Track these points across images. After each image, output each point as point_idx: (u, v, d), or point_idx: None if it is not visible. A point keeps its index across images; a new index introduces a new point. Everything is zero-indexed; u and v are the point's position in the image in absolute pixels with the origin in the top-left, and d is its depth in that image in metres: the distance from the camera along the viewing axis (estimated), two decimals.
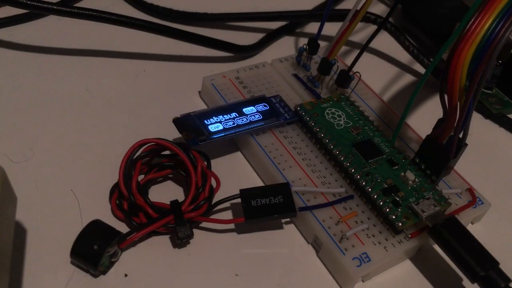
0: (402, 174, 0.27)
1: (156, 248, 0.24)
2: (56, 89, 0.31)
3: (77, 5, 0.36)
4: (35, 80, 0.31)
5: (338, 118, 0.29)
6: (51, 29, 0.35)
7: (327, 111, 0.29)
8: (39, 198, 0.25)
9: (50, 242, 0.24)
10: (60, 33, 0.34)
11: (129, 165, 0.25)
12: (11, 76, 0.31)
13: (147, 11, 0.37)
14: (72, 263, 0.23)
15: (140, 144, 0.25)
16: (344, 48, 0.37)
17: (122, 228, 0.24)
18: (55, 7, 0.30)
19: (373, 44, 0.33)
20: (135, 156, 0.25)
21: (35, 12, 0.34)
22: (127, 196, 0.24)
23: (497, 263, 0.23)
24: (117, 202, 0.25)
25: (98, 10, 0.30)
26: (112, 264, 0.23)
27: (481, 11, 0.22)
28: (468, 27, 0.22)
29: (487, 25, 0.22)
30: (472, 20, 0.22)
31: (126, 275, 0.23)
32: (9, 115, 0.29)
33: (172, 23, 0.36)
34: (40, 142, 0.28)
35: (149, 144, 0.26)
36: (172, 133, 0.27)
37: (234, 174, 0.28)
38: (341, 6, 0.41)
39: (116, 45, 0.34)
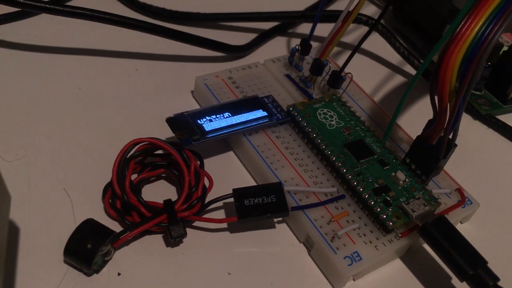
0: (393, 174, 0.27)
1: (149, 247, 0.24)
2: (48, 88, 0.31)
3: (70, 3, 0.36)
4: (28, 78, 0.31)
5: (330, 119, 0.30)
6: (44, 27, 0.34)
7: (319, 111, 0.30)
8: (32, 197, 0.25)
9: (43, 241, 0.24)
10: (52, 32, 0.34)
11: (122, 164, 0.25)
12: (3, 75, 0.31)
13: (140, 10, 0.37)
14: (65, 262, 0.23)
15: (133, 144, 0.25)
16: (336, 49, 0.37)
17: (115, 227, 0.24)
18: (47, 5, 0.30)
19: (365, 45, 0.33)
20: (128, 155, 0.25)
21: (27, 11, 0.34)
22: (120, 195, 0.24)
23: (485, 262, 0.23)
24: (110, 201, 0.25)
25: (91, 9, 0.30)
26: (105, 263, 0.23)
27: (471, 14, 0.22)
28: (458, 29, 0.22)
29: (477, 27, 0.22)
30: (463, 22, 0.22)
31: (119, 274, 0.23)
32: (2, 114, 0.29)
33: (165, 23, 0.36)
34: (33, 141, 0.27)
35: (142, 143, 0.26)
36: (165, 133, 0.28)
37: (227, 173, 0.28)
38: (333, 7, 0.42)
39: (109, 44, 0.34)
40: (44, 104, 0.30)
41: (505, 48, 0.35)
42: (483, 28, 0.22)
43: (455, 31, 0.22)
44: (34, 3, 0.29)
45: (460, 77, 0.23)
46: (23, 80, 0.31)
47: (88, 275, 0.23)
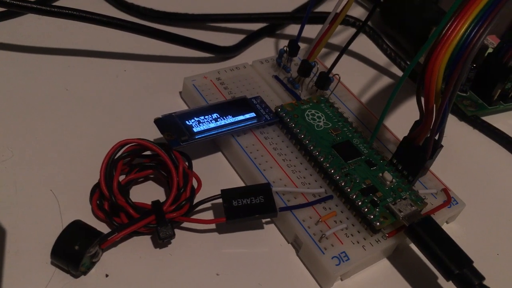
0: (380, 174, 0.27)
1: (137, 248, 0.24)
2: (35, 89, 0.30)
3: (57, 4, 0.36)
4: (14, 79, 0.31)
5: (318, 120, 0.30)
6: (30, 28, 0.34)
7: (307, 112, 0.30)
8: (18, 199, 0.25)
9: (29, 242, 0.23)
10: (39, 32, 0.34)
11: (110, 165, 0.25)
12: None
13: (127, 10, 0.37)
14: (52, 263, 0.23)
15: (122, 144, 0.25)
16: (323, 50, 0.37)
17: (103, 228, 0.24)
18: (34, 5, 0.29)
19: (352, 47, 0.33)
20: (116, 156, 0.25)
21: (13, 11, 0.34)
22: (108, 196, 0.24)
23: (471, 261, 0.24)
24: (98, 202, 0.25)
25: (78, 10, 0.30)
26: (93, 264, 0.23)
27: (456, 17, 0.22)
28: (444, 31, 0.22)
29: (463, 30, 0.22)
30: (448, 25, 0.22)
31: (107, 276, 0.23)
32: None
33: (152, 23, 0.36)
34: (20, 142, 0.27)
35: (131, 144, 0.26)
36: (153, 134, 0.27)
37: (215, 174, 0.28)
38: (321, 9, 0.42)
39: (96, 44, 0.34)
40: (31, 105, 0.29)
41: (490, 50, 0.36)
42: (468, 31, 0.22)
43: (441, 33, 0.23)
44: (20, 3, 0.29)
45: (446, 78, 0.23)
46: (9, 80, 0.31)
47: (76, 276, 0.23)
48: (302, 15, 0.36)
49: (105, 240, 0.23)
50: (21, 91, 0.30)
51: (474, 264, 0.24)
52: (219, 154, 0.29)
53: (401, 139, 0.28)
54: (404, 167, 0.28)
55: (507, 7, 0.22)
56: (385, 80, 0.38)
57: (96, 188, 0.25)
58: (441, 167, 0.29)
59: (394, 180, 0.27)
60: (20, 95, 0.30)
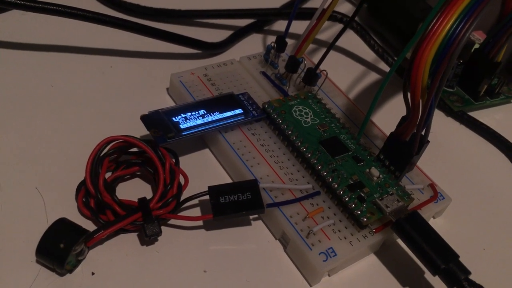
0: (367, 170, 0.27)
1: (123, 246, 0.24)
2: (20, 85, 0.30)
3: None
4: None
5: (305, 116, 0.30)
6: (14, 23, 0.34)
7: (294, 108, 0.30)
8: (3, 196, 0.25)
9: (14, 241, 0.23)
10: (23, 28, 0.34)
11: (96, 162, 0.25)
12: None
13: (114, 6, 0.37)
14: (37, 262, 0.23)
15: (108, 141, 0.25)
16: (311, 46, 0.37)
17: (89, 226, 0.24)
18: (19, 1, 0.29)
19: (340, 43, 0.33)
20: (102, 153, 0.25)
21: None
22: (94, 194, 0.24)
23: (457, 256, 0.24)
24: (84, 200, 0.25)
25: (63, 5, 0.30)
26: (78, 262, 0.23)
27: (443, 12, 0.22)
28: (430, 27, 0.23)
29: (449, 25, 0.22)
30: (434, 20, 0.22)
31: (93, 274, 0.23)
32: None
33: (139, 19, 0.36)
34: (4, 139, 0.27)
35: (117, 141, 0.25)
36: (140, 130, 0.27)
37: (202, 171, 0.28)
38: (308, 5, 0.42)
39: (82, 41, 0.34)
40: (16, 102, 0.29)
41: (476, 46, 0.36)
42: (454, 26, 0.22)
43: (427, 29, 0.23)
44: None
45: (432, 74, 0.23)
46: None
47: (61, 275, 0.22)
48: (290, 11, 0.36)
49: (91, 238, 0.23)
50: (5, 88, 0.30)
51: (460, 259, 0.24)
52: (206, 150, 0.29)
53: (388, 134, 0.28)
54: (391, 163, 0.28)
55: (493, 3, 0.23)
56: (373, 76, 0.38)
57: (81, 186, 0.25)
58: (427, 162, 0.29)
59: (381, 176, 0.27)
60: (5, 92, 0.29)
